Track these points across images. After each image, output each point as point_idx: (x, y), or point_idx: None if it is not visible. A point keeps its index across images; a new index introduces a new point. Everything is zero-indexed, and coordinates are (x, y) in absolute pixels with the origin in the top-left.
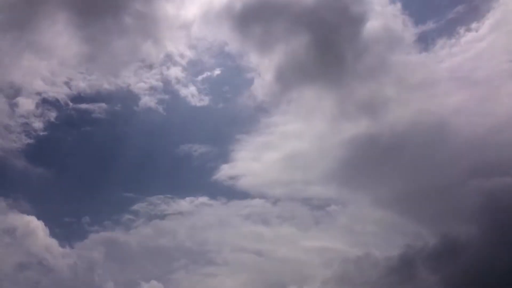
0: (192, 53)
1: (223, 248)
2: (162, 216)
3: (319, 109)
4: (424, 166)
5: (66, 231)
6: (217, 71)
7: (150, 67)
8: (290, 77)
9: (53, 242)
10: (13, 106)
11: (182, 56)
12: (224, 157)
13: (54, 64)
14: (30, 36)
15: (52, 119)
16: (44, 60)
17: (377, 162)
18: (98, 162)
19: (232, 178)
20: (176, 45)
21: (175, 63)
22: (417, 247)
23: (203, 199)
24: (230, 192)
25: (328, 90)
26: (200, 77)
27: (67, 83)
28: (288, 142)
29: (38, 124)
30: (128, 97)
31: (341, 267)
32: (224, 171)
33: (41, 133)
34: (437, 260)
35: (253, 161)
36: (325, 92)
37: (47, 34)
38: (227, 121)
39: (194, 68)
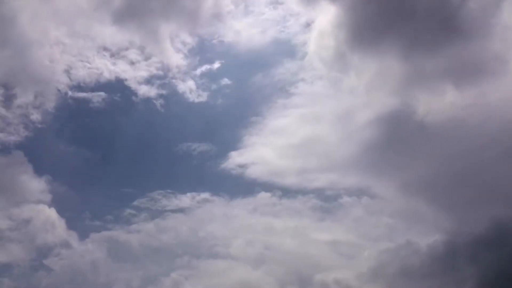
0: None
1: (233, 242)
2: (163, 212)
3: (381, 80)
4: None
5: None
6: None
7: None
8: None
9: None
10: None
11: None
12: (234, 144)
13: None
14: None
15: (50, 110)
16: None
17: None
18: (96, 156)
19: (241, 166)
20: None
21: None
22: (447, 238)
23: (205, 195)
24: (235, 186)
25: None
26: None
27: (66, 71)
28: (306, 125)
29: (36, 116)
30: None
31: (374, 259)
32: (232, 159)
33: (39, 125)
34: (469, 252)
35: (265, 147)
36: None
37: None
38: (242, 101)
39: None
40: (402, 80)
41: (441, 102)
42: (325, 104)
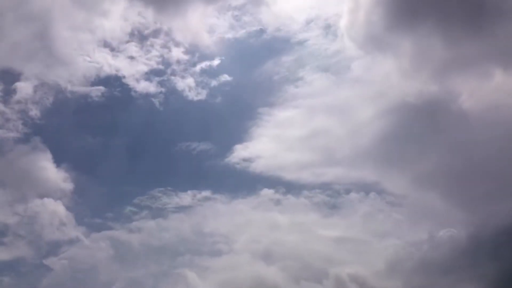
0: None
1: (237, 238)
2: (164, 210)
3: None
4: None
5: None
6: None
7: None
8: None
9: None
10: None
11: None
12: (239, 137)
13: None
14: None
15: (50, 105)
16: None
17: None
18: (95, 152)
19: (245, 160)
20: None
21: None
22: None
23: (206, 193)
24: (238, 182)
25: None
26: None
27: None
28: (316, 116)
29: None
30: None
31: (388, 255)
32: (237, 153)
33: (38, 121)
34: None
35: (272, 140)
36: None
37: None
38: (248, 92)
39: None
40: (442, 63)
41: (486, 86)
42: (337, 93)
